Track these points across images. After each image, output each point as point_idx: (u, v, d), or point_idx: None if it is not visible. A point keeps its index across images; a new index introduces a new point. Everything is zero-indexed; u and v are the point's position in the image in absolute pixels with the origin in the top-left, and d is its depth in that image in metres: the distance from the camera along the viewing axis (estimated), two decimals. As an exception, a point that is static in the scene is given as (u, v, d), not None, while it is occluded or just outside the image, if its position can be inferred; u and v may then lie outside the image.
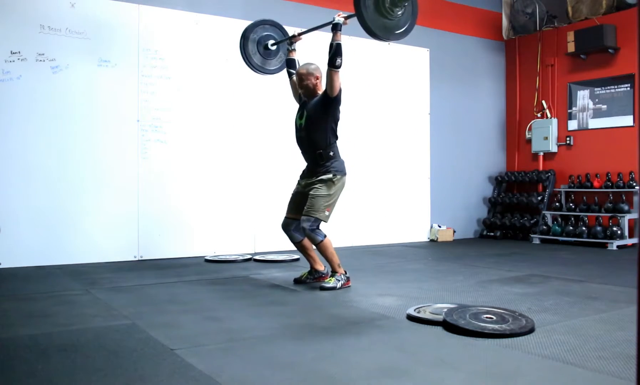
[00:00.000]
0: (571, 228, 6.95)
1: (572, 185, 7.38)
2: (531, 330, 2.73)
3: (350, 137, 6.28)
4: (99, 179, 5.32)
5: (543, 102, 7.86)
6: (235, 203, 6.01)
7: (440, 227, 7.45)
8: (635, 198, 6.74)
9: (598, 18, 7.22)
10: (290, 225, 4.13)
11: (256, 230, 6.12)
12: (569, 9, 7.61)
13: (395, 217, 7.12)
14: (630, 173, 6.84)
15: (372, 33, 3.57)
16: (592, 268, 5.06)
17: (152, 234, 5.56)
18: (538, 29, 7.94)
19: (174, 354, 2.40)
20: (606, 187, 6.96)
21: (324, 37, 4.15)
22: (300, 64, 4.16)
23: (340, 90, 3.86)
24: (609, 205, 6.78)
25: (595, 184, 7.12)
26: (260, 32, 4.56)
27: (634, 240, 6.52)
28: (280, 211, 6.05)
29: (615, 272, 4.88)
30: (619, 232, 6.51)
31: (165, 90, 5.65)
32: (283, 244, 6.08)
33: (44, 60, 5.08)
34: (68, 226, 5.18)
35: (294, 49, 4.39)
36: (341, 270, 4.00)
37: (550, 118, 7.76)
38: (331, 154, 3.96)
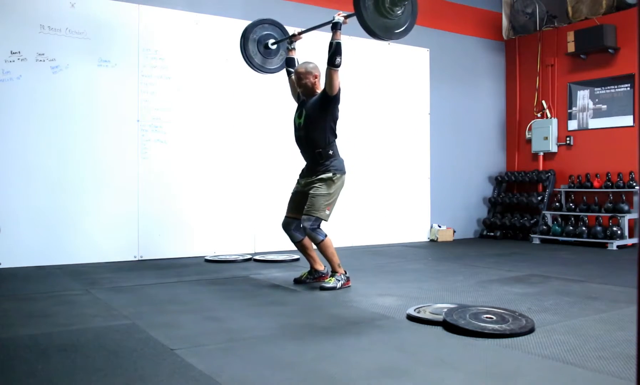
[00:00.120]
0: (571, 228, 6.95)
1: (572, 185, 7.38)
2: (531, 330, 2.73)
3: (350, 137, 6.28)
4: (99, 179, 5.32)
5: (543, 102, 7.86)
6: (235, 203, 6.01)
7: (440, 227, 7.45)
8: (635, 198, 6.74)
9: (598, 18, 7.22)
10: (291, 224, 4.13)
11: (256, 230, 6.12)
12: (569, 9, 7.61)
13: (395, 217, 7.12)
14: (630, 173, 6.84)
15: (372, 33, 3.56)
16: (592, 268, 5.06)
17: (152, 234, 5.56)
18: (538, 29, 7.94)
19: (174, 354, 2.40)
20: (606, 187, 6.96)
21: (324, 37, 4.15)
22: (300, 63, 4.17)
23: (339, 89, 3.86)
24: (609, 205, 6.78)
25: (595, 184, 7.12)
26: (260, 31, 4.56)
27: (634, 240, 6.52)
28: (280, 211, 6.05)
29: (615, 272, 4.88)
30: (619, 232, 6.51)
31: (165, 90, 5.65)
32: (283, 244, 6.08)
33: (44, 60, 5.08)
34: (68, 226, 5.18)
35: (294, 48, 4.40)
36: (341, 271, 4.00)
37: (550, 118, 7.76)
38: (330, 152, 3.96)
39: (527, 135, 8.04)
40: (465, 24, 7.98)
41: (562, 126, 7.71)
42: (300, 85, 4.03)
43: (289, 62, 4.35)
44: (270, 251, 6.00)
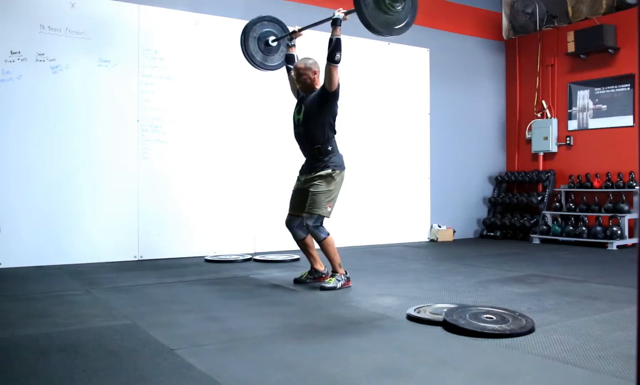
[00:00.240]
0: (571, 228, 6.95)
1: (572, 185, 7.38)
2: (531, 330, 2.73)
3: (350, 137, 6.27)
4: (99, 179, 5.32)
5: (543, 102, 7.86)
6: (235, 203, 6.01)
7: (440, 227, 7.45)
8: (635, 198, 6.74)
9: (598, 18, 7.22)
10: (294, 222, 4.13)
11: (256, 230, 6.12)
12: (569, 9, 7.61)
13: (395, 217, 7.12)
14: (630, 173, 6.84)
15: (372, 29, 3.57)
16: (592, 268, 5.06)
17: (152, 234, 5.57)
18: (538, 29, 7.94)
19: (174, 354, 2.40)
20: (606, 187, 6.96)
21: (324, 37, 4.14)
22: (299, 59, 4.18)
23: (338, 85, 3.86)
24: (609, 205, 6.79)
25: (595, 184, 7.12)
26: (260, 28, 4.56)
27: (634, 240, 6.52)
28: (280, 211, 6.05)
29: (615, 272, 4.88)
30: (619, 232, 6.51)
31: (165, 90, 5.65)
32: (283, 244, 6.10)
33: (44, 60, 5.08)
34: (68, 226, 5.18)
35: (294, 45, 4.40)
36: (342, 271, 4.00)
37: (550, 118, 7.76)
38: (329, 148, 3.96)
39: (527, 135, 8.04)
40: (465, 24, 7.98)
41: (562, 126, 7.71)
42: (300, 81, 4.03)
43: (289, 59, 4.36)
44: (270, 251, 6.00)
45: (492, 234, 7.81)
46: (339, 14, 3.82)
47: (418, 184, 7.38)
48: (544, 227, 7.22)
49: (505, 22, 8.27)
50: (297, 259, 5.42)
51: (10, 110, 4.95)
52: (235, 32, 4.75)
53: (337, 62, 3.77)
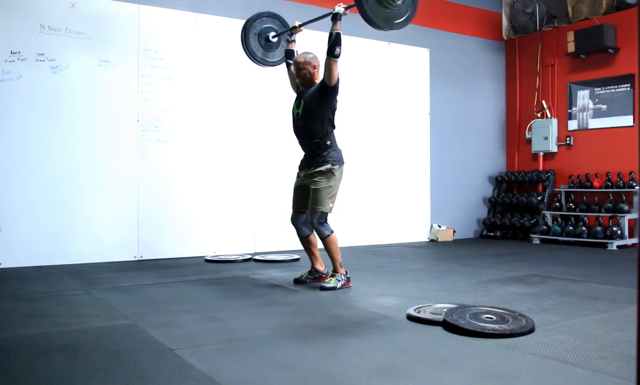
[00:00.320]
0: (571, 228, 6.95)
1: (572, 185, 7.38)
2: (531, 330, 2.73)
3: (350, 137, 6.27)
4: (99, 179, 5.32)
5: (543, 102, 7.86)
6: (235, 203, 6.01)
7: (440, 227, 7.45)
8: (635, 198, 6.74)
9: (598, 18, 7.22)
10: (299, 219, 4.15)
11: (256, 230, 6.12)
12: (569, 9, 7.61)
13: (395, 217, 7.12)
14: (630, 173, 6.84)
15: (373, 23, 3.59)
16: (592, 268, 5.06)
17: (152, 234, 5.57)
18: (538, 29, 7.94)
19: (174, 354, 2.40)
20: (606, 187, 6.96)
21: (324, 37, 4.14)
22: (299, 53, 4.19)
23: (338, 80, 3.87)
24: (609, 205, 6.79)
25: (595, 184, 7.12)
26: (260, 24, 4.56)
27: (634, 240, 6.52)
28: (280, 211, 6.07)
29: (615, 272, 4.88)
30: (619, 232, 6.51)
31: (165, 90, 5.65)
32: (283, 244, 6.10)
33: (44, 60, 5.08)
34: (68, 226, 5.18)
35: (294, 40, 4.41)
36: (342, 270, 4.01)
37: (550, 118, 7.76)
38: (328, 143, 3.96)
39: (527, 135, 8.04)
40: (465, 24, 7.98)
41: (562, 126, 7.71)
42: (299, 75, 4.04)
43: (289, 54, 4.36)
44: (270, 251, 6.00)
45: (492, 234, 7.81)
46: (339, 8, 3.83)
47: (418, 184, 7.38)
48: (544, 227, 7.22)
49: (505, 22, 8.27)
50: (297, 259, 5.42)
51: (10, 110, 4.95)
52: (236, 32, 4.75)
53: (337, 56, 3.77)
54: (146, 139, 5.55)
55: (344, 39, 4.01)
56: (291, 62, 4.26)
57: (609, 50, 7.05)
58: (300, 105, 4.03)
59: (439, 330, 2.80)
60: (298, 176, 4.16)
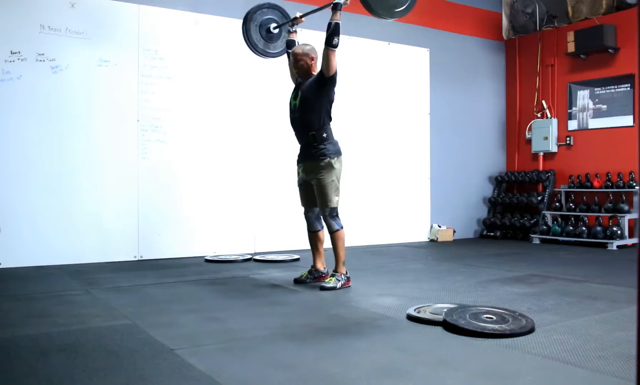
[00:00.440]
0: (571, 228, 6.95)
1: (572, 185, 7.38)
2: (531, 330, 2.73)
3: (350, 137, 6.26)
4: (99, 179, 5.32)
5: (543, 102, 7.86)
6: (235, 203, 6.01)
7: (440, 227, 7.45)
8: (635, 198, 6.74)
9: (598, 18, 7.22)
10: (311, 214, 4.19)
11: (256, 230, 6.12)
12: (569, 9, 7.61)
13: (395, 217, 7.12)
14: (630, 173, 6.84)
15: (373, 11, 3.60)
16: (592, 268, 5.06)
17: (152, 234, 5.57)
18: (538, 29, 7.94)
19: (174, 354, 2.40)
20: (606, 187, 6.96)
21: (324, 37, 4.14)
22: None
23: (336, 71, 3.87)
24: (609, 205, 6.78)
25: (595, 184, 7.12)
26: (261, 16, 4.56)
27: (634, 240, 6.52)
28: (280, 211, 6.08)
29: (615, 272, 4.88)
30: (619, 232, 6.51)
31: (165, 90, 5.65)
32: (283, 244, 6.11)
33: (44, 60, 5.08)
34: (68, 226, 5.17)
35: (295, 31, 4.42)
36: (343, 270, 4.01)
37: (550, 118, 7.76)
38: (325, 135, 3.96)
39: (527, 135, 8.04)
40: (465, 24, 7.98)
41: (562, 126, 7.71)
42: (297, 66, 4.04)
43: (290, 44, 4.37)
44: (270, 251, 6.00)
45: (492, 234, 7.81)
46: None
47: (418, 184, 7.38)
48: (544, 227, 7.21)
49: (505, 22, 8.27)
50: (297, 259, 5.42)
51: (10, 110, 4.95)
52: (236, 32, 4.75)
53: (335, 46, 3.78)
54: (146, 139, 5.55)
55: (345, 39, 4.01)
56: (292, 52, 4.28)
57: (609, 50, 7.05)
58: (297, 96, 4.03)
59: (439, 330, 2.80)
60: (298, 172, 4.17)
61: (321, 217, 4.10)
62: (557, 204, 7.45)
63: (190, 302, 3.55)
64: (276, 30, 4.58)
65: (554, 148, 7.70)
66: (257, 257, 5.58)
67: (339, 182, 4.01)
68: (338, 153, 4.01)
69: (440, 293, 3.81)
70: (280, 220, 6.15)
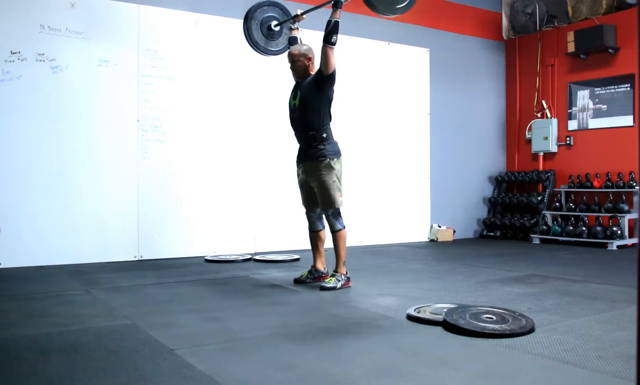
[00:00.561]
0: (571, 228, 6.95)
1: (572, 185, 7.38)
2: (531, 330, 2.73)
3: (350, 137, 6.27)
4: (99, 179, 5.32)
5: (543, 102, 7.86)
6: (235, 203, 6.01)
7: (440, 227, 7.45)
8: (635, 198, 6.74)
9: (598, 18, 7.22)
10: (313, 214, 4.18)
11: (256, 230, 6.11)
12: (569, 9, 7.61)
13: (395, 217, 7.12)
14: (630, 173, 6.84)
15: (375, 7, 3.60)
16: (592, 268, 5.06)
17: (152, 234, 5.57)
18: (538, 29, 7.94)
19: (174, 354, 2.40)
20: (606, 187, 6.96)
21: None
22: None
23: (334, 69, 3.86)
24: (609, 205, 6.78)
25: (595, 184, 7.12)
26: (262, 14, 4.55)
27: (634, 240, 6.52)
28: (280, 211, 6.08)
29: (615, 272, 4.88)
30: (619, 232, 6.51)
31: (165, 90, 5.65)
32: (283, 244, 6.11)
33: (44, 60, 5.08)
34: (68, 226, 5.17)
35: (297, 28, 4.42)
36: (343, 270, 4.01)
37: (550, 118, 7.76)
38: (324, 135, 3.95)
39: (527, 135, 8.04)
40: (465, 24, 7.98)
41: (562, 126, 7.71)
42: (294, 67, 4.04)
43: (292, 42, 4.37)
44: (270, 251, 6.00)
45: (492, 234, 7.81)
46: None
47: (418, 184, 7.38)
48: (544, 227, 7.22)
49: (505, 22, 8.27)
50: (297, 259, 5.42)
51: (10, 110, 4.95)
52: (235, 32, 4.76)
53: (333, 44, 3.78)
54: (146, 139, 5.55)
55: (345, 39, 4.01)
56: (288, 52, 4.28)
57: (609, 50, 7.05)
58: (297, 96, 4.02)
59: (439, 330, 2.80)
60: (298, 173, 4.16)
61: (323, 217, 4.10)
62: (557, 204, 7.45)
63: (190, 302, 3.55)
64: (277, 28, 4.57)
65: (554, 148, 7.70)
66: (257, 257, 5.57)
67: (340, 182, 4.01)
68: (338, 154, 4.00)
69: (440, 293, 3.81)
70: (280, 220, 6.15)
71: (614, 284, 4.18)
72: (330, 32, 3.76)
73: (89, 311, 3.26)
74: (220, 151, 5.94)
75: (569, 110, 7.65)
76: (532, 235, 7.27)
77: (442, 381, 2.11)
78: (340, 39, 3.84)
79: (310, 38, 4.78)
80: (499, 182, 8.17)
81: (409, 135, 7.31)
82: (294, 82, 4.19)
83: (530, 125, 7.96)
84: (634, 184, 6.75)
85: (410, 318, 3.01)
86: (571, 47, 7.37)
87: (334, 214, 3.98)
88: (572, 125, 7.62)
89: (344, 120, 5.85)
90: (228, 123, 5.99)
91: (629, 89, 6.99)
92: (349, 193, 6.05)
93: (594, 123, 7.36)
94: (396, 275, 4.66)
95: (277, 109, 6.01)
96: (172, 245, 5.65)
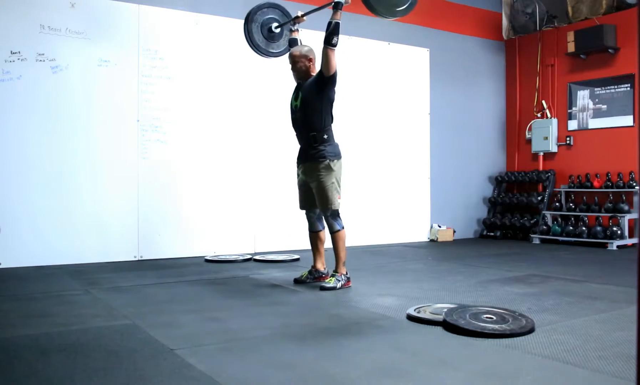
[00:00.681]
0: (571, 228, 6.95)
1: (572, 185, 7.38)
2: (531, 330, 2.73)
3: (350, 137, 6.27)
4: (99, 179, 5.32)
5: (543, 102, 7.86)
6: (235, 203, 6.01)
7: (440, 227, 7.45)
8: (635, 198, 6.74)
9: (598, 18, 7.22)
10: (313, 213, 4.18)
11: (256, 230, 6.11)
12: (569, 9, 7.61)
13: (395, 217, 7.12)
14: (630, 173, 6.84)
15: (375, 10, 3.60)
16: (592, 268, 5.06)
17: (152, 234, 5.57)
18: (538, 29, 7.94)
19: (174, 354, 2.40)
20: (606, 187, 6.96)
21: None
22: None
23: (335, 71, 3.87)
24: (609, 205, 6.78)
25: (595, 184, 7.12)
26: (262, 16, 4.55)
27: (634, 240, 6.52)
28: (280, 211, 6.08)
29: (615, 272, 4.88)
30: (619, 232, 6.51)
31: (165, 90, 5.65)
32: (283, 244, 6.11)
33: (44, 60, 5.08)
34: (68, 226, 5.17)
35: (297, 29, 4.43)
36: (343, 270, 4.01)
37: (550, 118, 7.76)
38: (325, 137, 3.95)
39: (527, 135, 8.04)
40: (465, 24, 7.98)
41: (562, 126, 7.71)
42: (295, 68, 4.04)
43: (292, 43, 4.37)
44: (270, 251, 6.00)
45: (492, 234, 7.81)
46: None
47: (418, 184, 7.38)
48: (544, 227, 7.22)
49: (505, 22, 8.27)
50: (297, 259, 5.42)
51: (10, 110, 4.95)
52: (235, 32, 4.76)
53: (334, 45, 3.78)
54: (146, 139, 5.55)
55: (345, 39, 4.01)
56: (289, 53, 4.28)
57: (609, 50, 7.05)
58: (298, 97, 4.03)
59: (439, 330, 2.80)
60: (298, 174, 4.16)
61: (322, 217, 4.10)
62: (557, 204, 7.45)
63: (190, 302, 3.55)
64: (277, 30, 4.58)
65: (554, 148, 7.70)
66: (257, 257, 5.57)
67: (339, 184, 4.01)
68: (337, 156, 4.00)
69: (440, 293, 3.81)
70: (280, 220, 6.14)
71: (614, 284, 4.18)
72: (331, 33, 3.76)
73: (89, 311, 3.26)
74: (220, 151, 5.94)
75: (569, 110, 7.65)
76: (532, 235, 7.27)
77: (442, 381, 2.11)
78: (341, 39, 3.84)
79: (310, 39, 4.79)
80: (499, 182, 8.17)
81: (409, 136, 7.31)
82: (294, 83, 4.19)
83: (530, 125, 7.96)
84: (634, 184, 6.75)
85: (410, 318, 3.01)
86: (571, 47, 7.37)
87: (333, 215, 3.98)
88: (572, 125, 7.62)
89: (344, 121, 5.85)
90: (228, 123, 5.99)
91: (629, 89, 6.99)
92: (349, 193, 6.05)
93: (594, 123, 7.36)
94: (396, 275, 4.66)
95: (277, 110, 6.02)
96: (172, 245, 5.65)
